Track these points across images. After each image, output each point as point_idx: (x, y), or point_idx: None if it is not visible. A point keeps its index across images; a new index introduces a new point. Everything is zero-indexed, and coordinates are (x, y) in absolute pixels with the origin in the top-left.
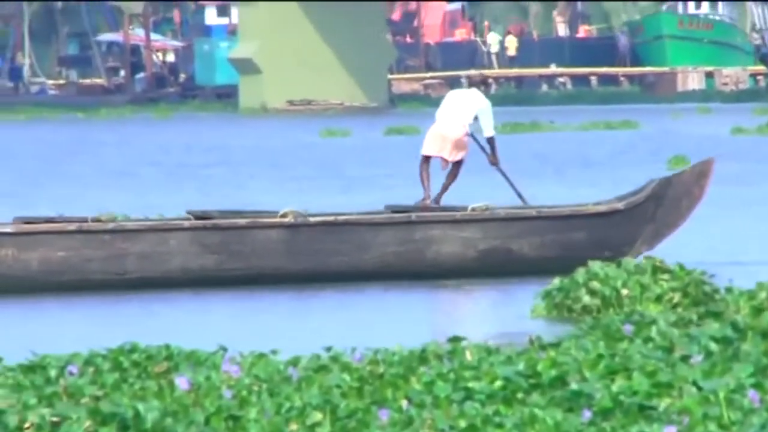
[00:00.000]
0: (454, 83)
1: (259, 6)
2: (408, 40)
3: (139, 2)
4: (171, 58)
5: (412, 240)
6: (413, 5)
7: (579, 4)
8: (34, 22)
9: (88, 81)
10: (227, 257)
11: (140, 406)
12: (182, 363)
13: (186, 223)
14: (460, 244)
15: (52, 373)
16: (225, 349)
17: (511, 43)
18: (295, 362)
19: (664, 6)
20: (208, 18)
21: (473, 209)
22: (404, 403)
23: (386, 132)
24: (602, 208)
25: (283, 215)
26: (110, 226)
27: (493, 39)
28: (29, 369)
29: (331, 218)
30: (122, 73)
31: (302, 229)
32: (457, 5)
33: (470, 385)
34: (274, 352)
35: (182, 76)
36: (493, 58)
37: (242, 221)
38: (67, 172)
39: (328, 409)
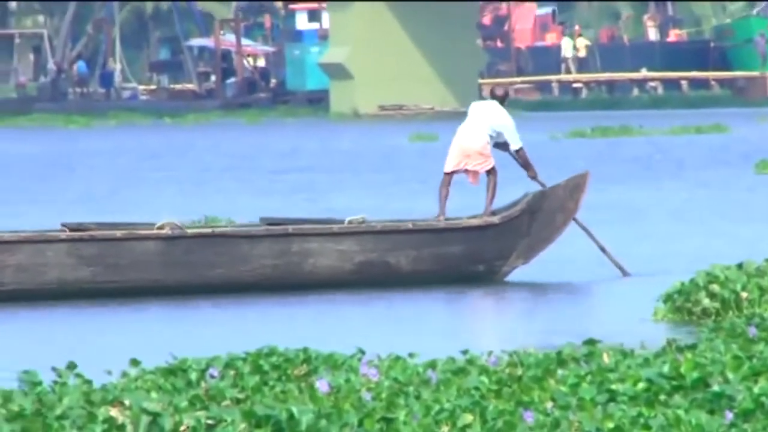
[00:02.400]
0: (544, 88)
1: (351, 11)
2: (499, 44)
3: (230, 3)
4: (262, 63)
5: (289, 252)
6: (504, 10)
7: (670, 8)
8: (125, 27)
9: (179, 86)
10: (103, 269)
11: (294, 409)
12: (320, 366)
13: (62, 235)
14: (337, 256)
15: (193, 376)
16: (363, 352)
17: (581, 44)
18: (433, 365)
19: (755, 10)
20: (299, 23)
21: (350, 222)
22: (548, 404)
23: None
24: (477, 222)
25: (160, 227)
26: None
27: (566, 44)
28: (170, 372)
29: (208, 230)
30: (213, 78)
31: (179, 241)
32: (548, 9)
33: (614, 387)
34: (411, 355)
35: (273, 81)
36: (570, 63)
37: (119, 233)
38: (152, 177)
39: (478, 412)
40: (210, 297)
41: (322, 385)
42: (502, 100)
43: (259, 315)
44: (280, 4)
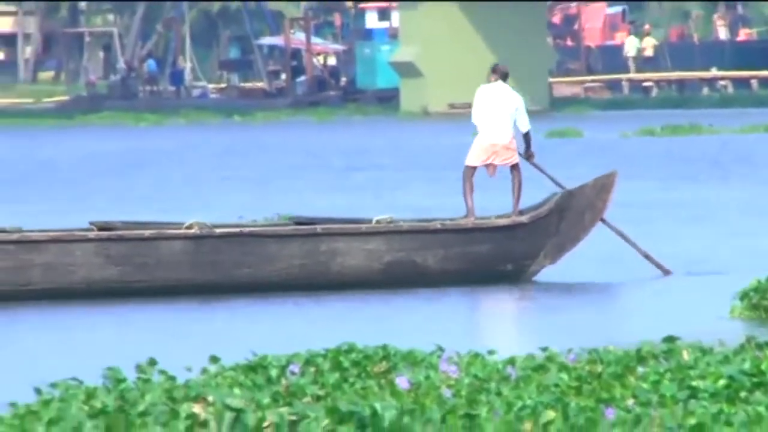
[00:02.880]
0: (614, 86)
1: (421, 9)
2: (569, 43)
3: (300, 2)
4: (332, 61)
5: (317, 252)
6: (574, 9)
7: (740, 7)
8: (195, 26)
9: (249, 84)
10: (132, 269)
11: (377, 405)
12: (400, 363)
13: (91, 234)
14: (364, 256)
15: (273, 372)
16: (442, 350)
17: (648, 43)
18: (512, 362)
19: None
20: (369, 21)
21: (378, 221)
22: (629, 401)
23: (547, 135)
24: (505, 221)
25: (189, 227)
26: (15, 236)
27: (631, 43)
28: (250, 369)
29: (237, 230)
30: (283, 76)
31: (207, 240)
32: (618, 8)
33: (694, 383)
34: (491, 352)
35: (343, 80)
36: (630, 62)
37: (147, 232)
38: (221, 175)
39: (560, 408)
40: (241, 296)
41: (402, 381)
42: (507, 77)
43: (297, 313)
44: (350, 2)
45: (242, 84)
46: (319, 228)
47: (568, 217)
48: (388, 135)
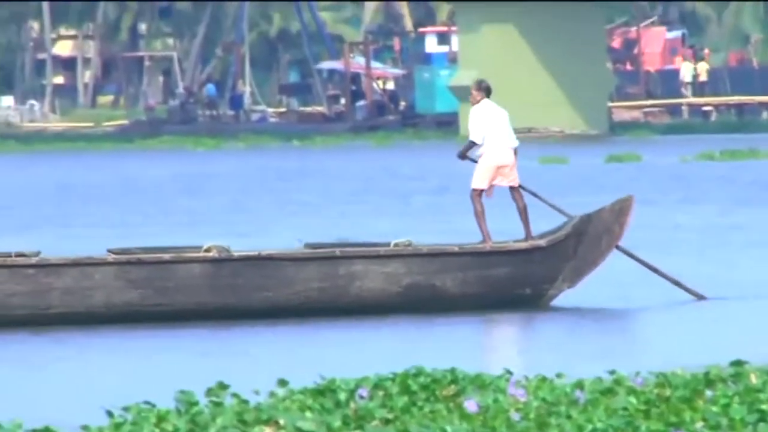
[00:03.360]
0: (674, 111)
1: (480, 34)
2: (628, 67)
3: (360, 26)
4: (391, 85)
5: (335, 275)
6: (634, 33)
7: None
8: (255, 50)
9: (308, 109)
10: (151, 292)
11: (448, 428)
12: (468, 386)
13: (110, 258)
14: (383, 279)
15: (342, 396)
16: (510, 373)
17: (702, 69)
18: (580, 385)
19: None
20: (429, 46)
21: (396, 244)
22: (699, 425)
23: (607, 159)
24: (523, 245)
25: (207, 250)
26: (34, 260)
27: (686, 69)
28: (318, 392)
29: (255, 253)
30: (343, 101)
31: (226, 264)
32: (677, 33)
33: (764, 407)
34: (559, 375)
35: (402, 104)
36: (686, 87)
37: (166, 256)
38: (279, 199)
39: (629, 431)
40: (264, 321)
41: (470, 405)
42: (490, 92)
43: (325, 338)
44: (409, 26)
45: (301, 108)
46: (337, 251)
47: (585, 241)
48: (446, 159)
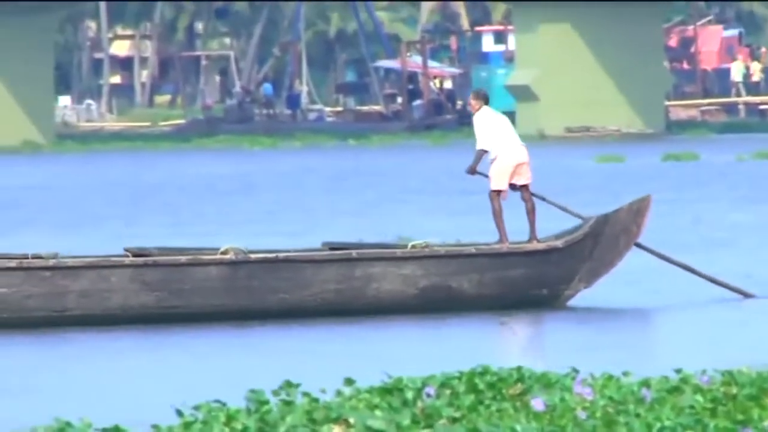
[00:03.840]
0: (730, 110)
1: (537, 33)
2: (685, 66)
3: (417, 25)
4: (448, 84)
5: (352, 277)
6: (690, 32)
7: None
8: (312, 49)
9: (365, 108)
10: (168, 294)
11: (518, 427)
12: (534, 385)
13: (127, 260)
14: (400, 281)
15: (409, 395)
16: (576, 371)
17: (756, 68)
18: (646, 384)
19: None
20: (485, 45)
21: (413, 246)
22: (767, 422)
23: (664, 158)
24: (540, 246)
25: (224, 252)
26: (51, 263)
27: (736, 68)
28: (385, 391)
29: (272, 255)
30: (399, 99)
31: (242, 266)
32: (734, 32)
33: None
34: (625, 374)
35: (459, 103)
36: (741, 87)
37: (183, 258)
38: (333, 198)
39: (699, 430)
40: (321, 319)
41: (537, 403)
42: (488, 100)
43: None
44: (466, 26)
45: (359, 107)
46: (354, 253)
47: (602, 242)
48: None
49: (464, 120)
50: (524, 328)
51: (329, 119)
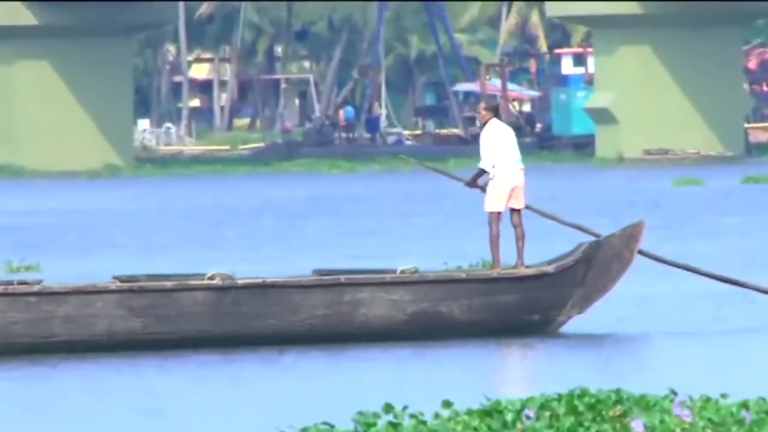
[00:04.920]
0: None
1: (616, 55)
2: (764, 88)
3: (496, 48)
4: (527, 107)
5: (340, 302)
6: None
7: None
8: (390, 73)
9: (444, 131)
10: (153, 320)
11: None
12: (633, 407)
13: (112, 286)
14: (389, 306)
15: (509, 417)
16: (675, 393)
17: None
18: (745, 405)
19: None
20: (564, 67)
21: (402, 272)
22: None
23: (743, 181)
24: (531, 271)
25: (211, 277)
26: (36, 288)
27: None
28: (485, 413)
29: (259, 281)
30: (479, 123)
31: (229, 291)
32: None
33: None
34: (723, 396)
35: (539, 126)
36: None
37: (169, 284)
38: (408, 222)
39: None
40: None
41: (636, 425)
42: (498, 112)
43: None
44: (544, 48)
45: (438, 130)
46: (342, 278)
47: (595, 267)
48: (580, 181)
49: (544, 143)
50: (516, 354)
51: (408, 142)
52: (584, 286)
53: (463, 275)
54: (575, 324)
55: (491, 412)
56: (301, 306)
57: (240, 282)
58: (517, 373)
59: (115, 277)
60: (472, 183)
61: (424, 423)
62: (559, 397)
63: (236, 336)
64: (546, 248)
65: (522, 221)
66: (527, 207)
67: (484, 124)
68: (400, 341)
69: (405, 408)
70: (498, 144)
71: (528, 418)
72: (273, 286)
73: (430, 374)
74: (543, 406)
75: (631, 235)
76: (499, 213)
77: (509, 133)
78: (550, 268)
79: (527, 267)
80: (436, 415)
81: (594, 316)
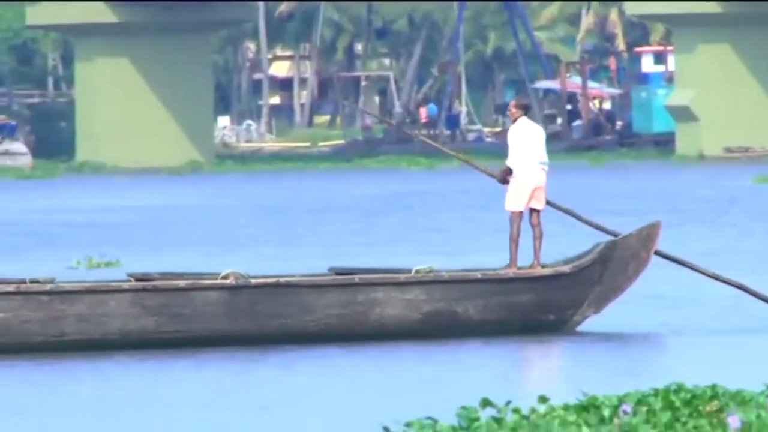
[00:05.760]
0: None
1: (696, 53)
2: None
3: (576, 46)
4: (607, 105)
5: (355, 302)
6: None
7: None
8: (470, 70)
9: None
10: (167, 319)
11: None
12: (729, 402)
13: (125, 285)
14: (403, 306)
15: (606, 412)
16: None
17: None
18: None
19: None
20: (645, 65)
21: (417, 271)
22: None
23: None
24: (547, 271)
25: (224, 277)
26: (48, 287)
27: None
28: (582, 408)
29: (273, 280)
30: (559, 120)
31: (243, 290)
32: None
33: None
34: None
35: (619, 124)
36: None
37: (182, 283)
38: (481, 218)
39: None
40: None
41: (733, 420)
42: (529, 110)
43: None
44: (622, 46)
45: None
46: (357, 278)
47: (611, 267)
48: (661, 178)
49: (624, 140)
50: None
51: (488, 139)
52: (601, 286)
53: (479, 275)
54: (592, 323)
55: (588, 407)
56: (315, 305)
57: (253, 281)
58: (557, 372)
59: (129, 275)
60: (503, 180)
61: (526, 418)
62: (656, 393)
63: (250, 335)
64: (566, 246)
65: (541, 222)
66: (548, 203)
67: (514, 121)
68: (414, 340)
69: (508, 403)
70: (525, 143)
71: (625, 413)
72: (287, 285)
73: (473, 373)
74: (640, 402)
75: (648, 235)
76: (521, 212)
77: (539, 133)
78: (566, 268)
79: (544, 267)
80: (533, 411)
81: (619, 314)
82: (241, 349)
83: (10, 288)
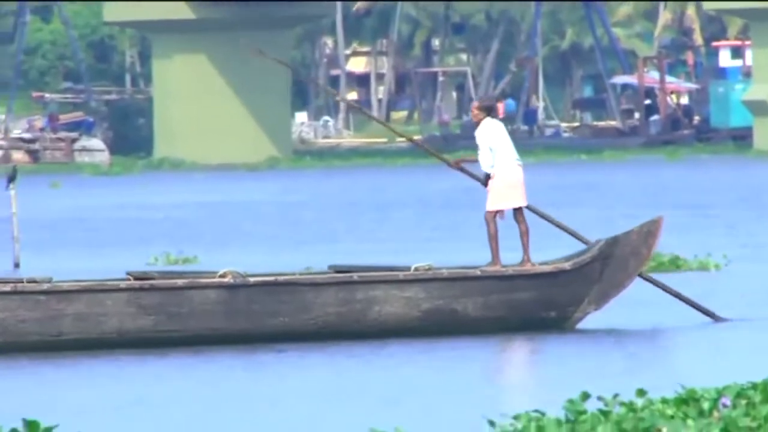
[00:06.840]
0: None
1: None
2: None
3: (653, 41)
4: (685, 100)
5: (354, 300)
6: None
7: None
8: (548, 65)
9: (602, 123)
10: (164, 318)
11: None
12: None
13: (122, 284)
14: (403, 304)
15: (705, 405)
16: None
17: None
18: None
19: None
20: (722, 60)
21: (416, 269)
22: None
23: None
24: (547, 268)
25: (222, 275)
26: (45, 286)
27: None
28: (682, 401)
29: (271, 278)
30: (636, 115)
31: (241, 289)
32: None
33: None
34: None
35: (696, 119)
36: None
37: (180, 282)
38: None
39: None
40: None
41: None
42: (492, 110)
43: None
44: (699, 41)
45: (595, 123)
46: (355, 276)
47: (612, 264)
48: (739, 173)
49: (702, 135)
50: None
51: (566, 135)
52: (601, 283)
53: (478, 272)
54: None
55: (687, 400)
56: (314, 303)
57: (251, 280)
58: (563, 371)
59: (128, 273)
60: (486, 184)
61: (634, 411)
62: (755, 386)
63: (248, 334)
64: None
65: (525, 217)
66: (528, 207)
67: (477, 123)
68: (414, 338)
69: (616, 396)
70: (495, 143)
71: (725, 406)
72: (285, 284)
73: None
74: (739, 394)
75: (648, 231)
76: (498, 211)
77: (502, 130)
78: (566, 265)
79: (543, 264)
80: (630, 404)
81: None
82: (240, 347)
83: (7, 288)
